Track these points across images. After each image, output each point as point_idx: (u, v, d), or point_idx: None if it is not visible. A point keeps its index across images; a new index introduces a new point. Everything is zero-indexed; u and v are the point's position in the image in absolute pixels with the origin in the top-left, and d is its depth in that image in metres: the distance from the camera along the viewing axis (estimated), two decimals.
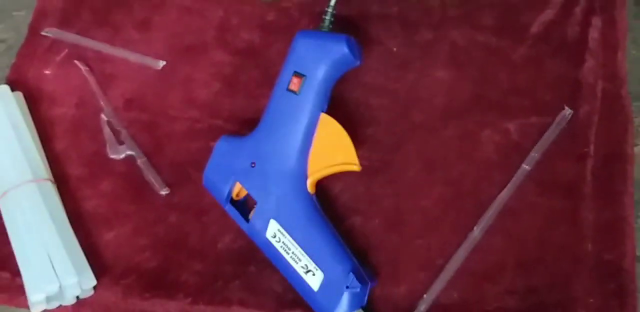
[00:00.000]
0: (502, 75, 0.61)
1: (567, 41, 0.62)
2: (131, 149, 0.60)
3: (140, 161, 0.60)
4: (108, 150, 0.61)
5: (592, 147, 0.58)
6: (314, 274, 0.52)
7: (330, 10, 0.57)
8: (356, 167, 0.54)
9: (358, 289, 0.51)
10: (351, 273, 0.51)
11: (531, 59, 0.62)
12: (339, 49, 0.54)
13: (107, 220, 0.58)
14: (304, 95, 0.54)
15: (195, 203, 0.58)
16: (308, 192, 0.54)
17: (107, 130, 0.61)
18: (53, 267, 0.53)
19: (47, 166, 0.59)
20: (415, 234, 0.56)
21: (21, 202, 0.55)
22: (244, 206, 0.57)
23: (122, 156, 0.60)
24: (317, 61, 0.54)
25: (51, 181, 0.58)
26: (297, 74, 0.55)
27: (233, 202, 0.56)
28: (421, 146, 0.59)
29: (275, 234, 0.53)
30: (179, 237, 0.57)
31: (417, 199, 0.58)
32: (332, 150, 0.54)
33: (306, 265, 0.52)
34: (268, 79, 0.63)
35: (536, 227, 0.56)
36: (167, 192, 0.59)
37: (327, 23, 0.57)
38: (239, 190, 0.56)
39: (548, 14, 0.63)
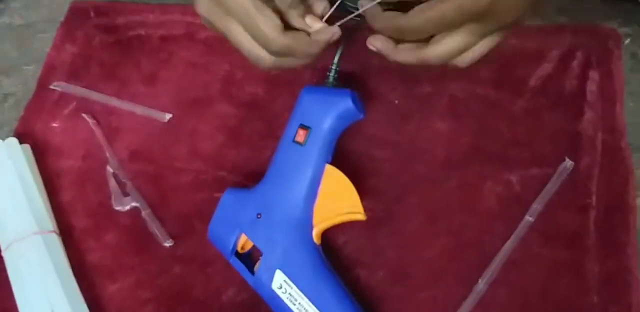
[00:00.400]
0: (501, 128, 0.62)
1: (565, 94, 0.63)
2: (136, 201, 0.61)
3: (145, 213, 0.60)
4: (113, 202, 0.61)
5: (594, 199, 0.58)
6: None
7: (334, 67, 0.59)
8: (361, 216, 0.54)
9: None
10: None
11: (530, 112, 0.63)
12: (344, 103, 0.56)
13: (110, 272, 0.58)
14: (309, 146, 0.56)
15: (200, 255, 0.58)
16: (314, 243, 0.55)
17: (112, 182, 0.62)
18: None
19: (53, 217, 0.60)
20: (420, 286, 0.56)
21: (26, 255, 0.56)
22: (249, 259, 0.57)
23: (127, 207, 0.61)
24: (322, 114, 0.56)
25: (56, 232, 0.58)
26: (302, 126, 0.56)
27: (238, 255, 0.56)
28: (424, 197, 0.60)
29: (282, 285, 0.53)
30: (182, 289, 0.57)
31: (420, 251, 0.58)
32: (338, 200, 0.55)
33: None
34: (272, 131, 0.64)
35: (540, 279, 0.55)
36: (171, 244, 0.59)
37: (331, 79, 0.59)
38: (244, 243, 0.56)
39: (546, 68, 0.65)
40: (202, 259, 0.58)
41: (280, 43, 0.48)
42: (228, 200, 0.57)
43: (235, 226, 0.56)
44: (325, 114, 0.56)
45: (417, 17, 0.48)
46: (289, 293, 0.52)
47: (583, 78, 0.64)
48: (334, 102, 0.56)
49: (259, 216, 0.55)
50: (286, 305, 0.52)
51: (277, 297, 0.53)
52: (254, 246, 0.56)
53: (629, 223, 0.57)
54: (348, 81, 0.64)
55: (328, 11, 0.53)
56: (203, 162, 0.63)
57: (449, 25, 0.48)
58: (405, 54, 0.52)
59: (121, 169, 0.63)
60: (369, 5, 0.52)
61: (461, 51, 0.50)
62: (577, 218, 0.58)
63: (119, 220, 0.61)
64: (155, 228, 0.59)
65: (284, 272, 0.53)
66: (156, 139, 0.65)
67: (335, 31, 0.51)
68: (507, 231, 0.57)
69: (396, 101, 0.64)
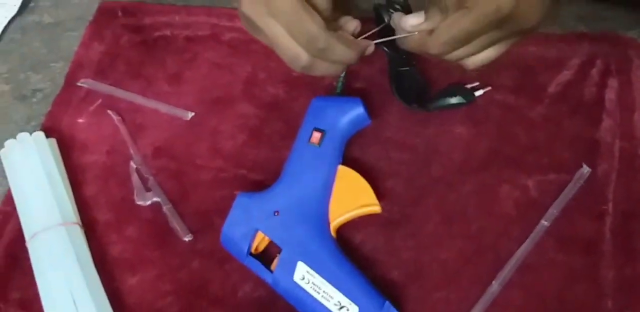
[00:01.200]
0: (520, 133, 0.63)
1: (584, 101, 0.64)
2: (157, 196, 0.62)
3: (166, 208, 0.61)
4: (135, 196, 0.62)
5: (610, 205, 0.58)
6: (348, 309, 0.53)
7: (342, 77, 0.65)
8: (377, 208, 0.57)
9: None
10: (387, 301, 0.53)
11: (549, 118, 0.63)
12: (357, 109, 0.61)
13: (131, 265, 0.59)
14: (324, 147, 0.60)
15: (218, 250, 0.59)
16: (332, 236, 0.57)
17: (135, 178, 0.63)
18: (77, 310, 0.53)
19: (76, 210, 0.61)
20: (434, 287, 0.56)
21: (50, 245, 0.57)
22: (264, 259, 0.57)
23: (149, 202, 0.62)
24: (336, 118, 0.61)
25: (79, 225, 0.60)
26: (317, 129, 0.60)
27: (252, 256, 0.57)
28: (440, 200, 0.60)
29: (304, 276, 0.54)
30: (201, 283, 0.58)
31: (436, 252, 0.58)
32: (352, 195, 0.58)
33: (339, 301, 0.53)
34: (291, 132, 0.64)
35: (556, 283, 0.56)
36: (190, 239, 0.60)
37: (339, 89, 0.65)
38: (258, 243, 0.57)
39: (565, 75, 0.65)
40: (220, 255, 0.59)
41: (325, 39, 0.49)
42: (242, 201, 0.58)
43: (250, 225, 0.57)
44: (339, 118, 0.61)
45: (443, 37, 0.50)
46: (312, 283, 0.54)
47: (602, 86, 0.64)
48: (347, 107, 0.61)
49: (276, 214, 0.57)
50: (309, 295, 0.53)
51: (300, 289, 0.54)
52: (267, 247, 0.58)
53: None
54: (366, 86, 0.67)
55: (358, 30, 0.54)
56: (224, 160, 0.64)
57: (474, 38, 0.50)
58: (411, 44, 0.53)
59: (144, 165, 0.64)
60: (402, 36, 0.54)
61: (472, 54, 0.52)
62: (593, 224, 0.58)
63: (141, 214, 0.62)
64: (175, 223, 0.60)
65: (306, 264, 0.54)
66: (179, 137, 0.66)
67: (370, 44, 0.53)
68: (523, 235, 0.58)
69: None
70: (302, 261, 0.54)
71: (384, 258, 0.58)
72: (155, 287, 0.58)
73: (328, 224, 0.57)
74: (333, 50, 0.50)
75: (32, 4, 0.78)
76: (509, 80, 0.66)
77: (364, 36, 0.54)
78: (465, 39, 0.50)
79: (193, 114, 0.67)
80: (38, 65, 0.73)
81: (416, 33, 0.52)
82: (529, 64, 0.66)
